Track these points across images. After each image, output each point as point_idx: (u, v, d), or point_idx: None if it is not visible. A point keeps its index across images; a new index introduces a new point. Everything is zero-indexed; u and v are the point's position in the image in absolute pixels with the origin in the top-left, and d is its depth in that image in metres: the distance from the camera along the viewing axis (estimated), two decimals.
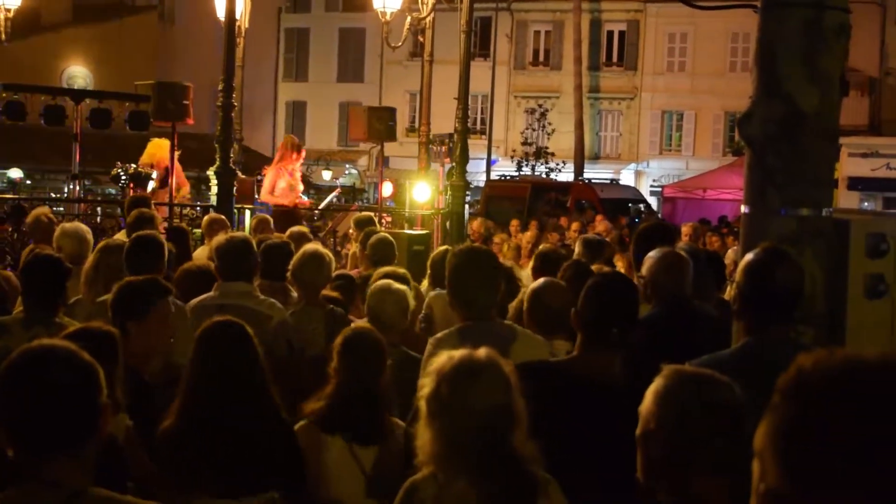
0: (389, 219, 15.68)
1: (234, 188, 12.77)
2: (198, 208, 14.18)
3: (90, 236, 7.05)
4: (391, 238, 7.41)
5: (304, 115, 47.64)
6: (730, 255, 9.88)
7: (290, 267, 5.85)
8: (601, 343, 3.52)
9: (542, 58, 44.04)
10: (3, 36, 16.34)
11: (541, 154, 38.07)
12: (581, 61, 39.40)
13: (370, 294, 5.15)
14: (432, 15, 16.92)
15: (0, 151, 27.03)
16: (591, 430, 3.36)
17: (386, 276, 5.71)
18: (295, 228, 8.91)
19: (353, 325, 4.49)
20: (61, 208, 15.95)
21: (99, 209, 16.47)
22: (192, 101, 13.16)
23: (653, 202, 33.49)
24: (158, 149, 14.42)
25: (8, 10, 16.20)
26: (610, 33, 42.79)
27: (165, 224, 10.14)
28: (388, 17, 16.47)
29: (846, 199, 31.29)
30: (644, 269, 4.74)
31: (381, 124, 14.48)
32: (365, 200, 34.49)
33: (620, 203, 26.50)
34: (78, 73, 36.89)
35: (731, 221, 20.10)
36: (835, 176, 4.50)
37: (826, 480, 1.24)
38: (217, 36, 16.85)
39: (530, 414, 2.94)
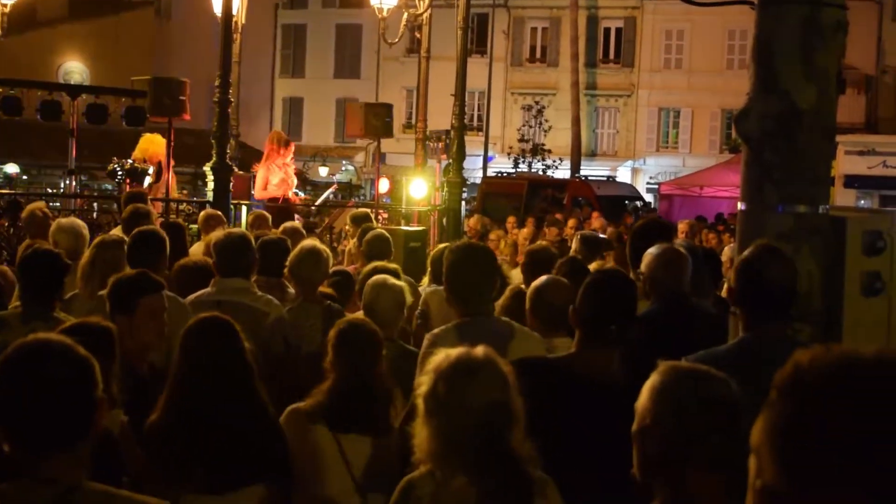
0: (386, 215, 15.68)
1: (231, 184, 12.75)
2: (194, 204, 14.17)
3: (86, 232, 7.04)
4: (387, 234, 7.41)
5: (301, 112, 47.61)
6: (726, 252, 9.88)
7: (287, 263, 5.85)
8: (599, 340, 3.52)
9: (538, 54, 44.02)
10: (0, 31, 16.31)
11: (537, 151, 38.06)
12: (578, 58, 39.39)
13: (366, 289, 5.15)
14: (429, 11, 16.93)
15: None
16: (589, 427, 3.36)
17: (375, 270, 5.71)
18: (288, 224, 8.90)
19: (346, 317, 4.47)
20: (57, 203, 15.93)
21: (95, 205, 16.44)
22: (189, 96, 13.15)
23: (649, 199, 33.49)
24: (150, 144, 14.41)
25: (4, 5, 16.18)
26: (607, 30, 42.78)
27: (161, 220, 10.12)
28: (384, 14, 16.48)
29: (842, 197, 31.28)
30: (643, 266, 4.74)
31: (378, 121, 14.47)
32: (361, 197, 34.48)
33: (617, 200, 26.50)
34: (74, 69, 36.86)
35: (727, 218, 20.10)
36: (831, 174, 4.50)
37: (823, 477, 1.24)
38: (214, 31, 16.82)
39: (527, 411, 2.94)
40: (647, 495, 2.42)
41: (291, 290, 6.14)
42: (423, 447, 2.93)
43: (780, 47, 4.04)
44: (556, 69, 42.75)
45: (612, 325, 3.51)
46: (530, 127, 39.28)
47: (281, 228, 8.19)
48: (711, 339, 3.71)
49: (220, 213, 9.66)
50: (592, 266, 6.29)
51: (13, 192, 17.57)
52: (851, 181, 33.74)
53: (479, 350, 2.96)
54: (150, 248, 5.62)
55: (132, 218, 7.28)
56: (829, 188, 4.41)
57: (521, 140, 38.73)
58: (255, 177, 14.31)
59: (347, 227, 10.86)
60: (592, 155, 41.64)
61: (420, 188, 16.57)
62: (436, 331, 4.39)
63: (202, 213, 9.74)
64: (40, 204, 8.68)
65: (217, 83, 12.57)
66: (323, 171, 38.59)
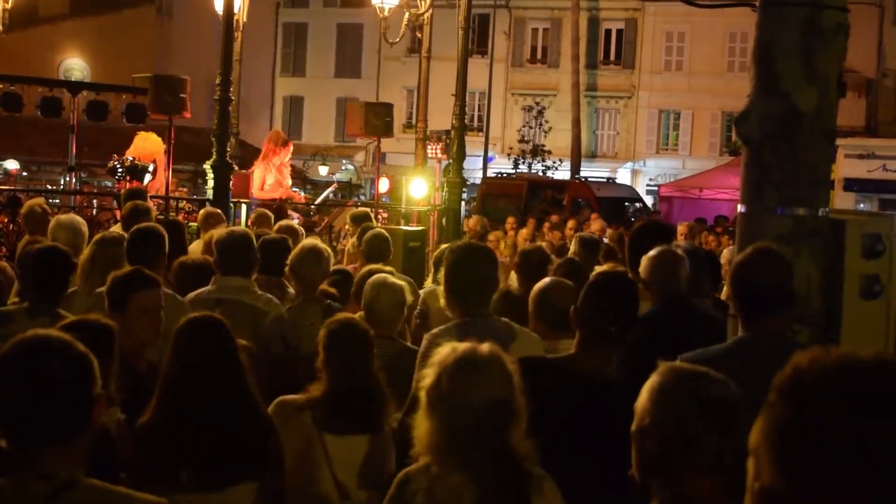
0: (386, 215, 15.68)
1: (231, 182, 12.75)
2: (194, 202, 14.18)
3: (85, 228, 7.04)
4: (387, 234, 7.41)
5: (301, 110, 47.60)
6: (725, 254, 9.87)
7: (288, 262, 5.85)
8: (600, 341, 3.53)
9: (539, 55, 44.01)
10: (1, 27, 16.31)
11: (537, 152, 38.05)
12: (579, 59, 39.40)
13: (366, 288, 5.15)
14: (430, 11, 16.93)
15: None
16: (589, 427, 3.36)
17: (371, 273, 5.71)
18: (283, 223, 8.91)
19: (336, 315, 4.44)
20: (57, 200, 15.93)
21: (95, 201, 16.45)
22: (190, 94, 13.16)
23: (649, 201, 33.49)
24: (146, 142, 14.43)
25: (6, 2, 16.19)
26: (608, 31, 42.77)
27: (161, 217, 10.12)
28: (386, 13, 16.48)
29: (842, 201, 31.29)
30: (641, 268, 4.76)
31: (378, 120, 14.48)
32: (361, 196, 34.48)
33: (617, 202, 26.52)
34: (75, 66, 36.84)
35: (729, 221, 20.11)
36: (831, 177, 4.50)
37: (822, 479, 1.24)
38: (215, 30, 16.84)
39: (528, 410, 2.94)
40: (645, 496, 2.42)
41: (291, 289, 6.14)
42: (423, 440, 2.93)
43: (780, 49, 4.04)
44: (556, 70, 42.75)
45: (613, 326, 3.52)
46: (530, 128, 39.26)
47: (276, 227, 8.20)
48: (710, 341, 3.72)
49: (219, 211, 9.65)
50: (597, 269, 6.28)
51: (13, 188, 17.55)
52: (851, 184, 33.75)
53: (485, 347, 2.96)
54: (148, 245, 5.60)
55: (132, 215, 7.27)
56: (829, 191, 4.41)
57: (522, 141, 38.71)
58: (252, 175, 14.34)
59: (347, 227, 10.88)
60: (592, 156, 41.63)
61: (420, 188, 16.57)
62: (435, 330, 4.39)
63: (202, 212, 9.73)
64: (40, 200, 8.68)
65: (218, 81, 12.58)
66: (323, 171, 38.57)
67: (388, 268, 6.20)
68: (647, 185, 40.54)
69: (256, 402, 3.84)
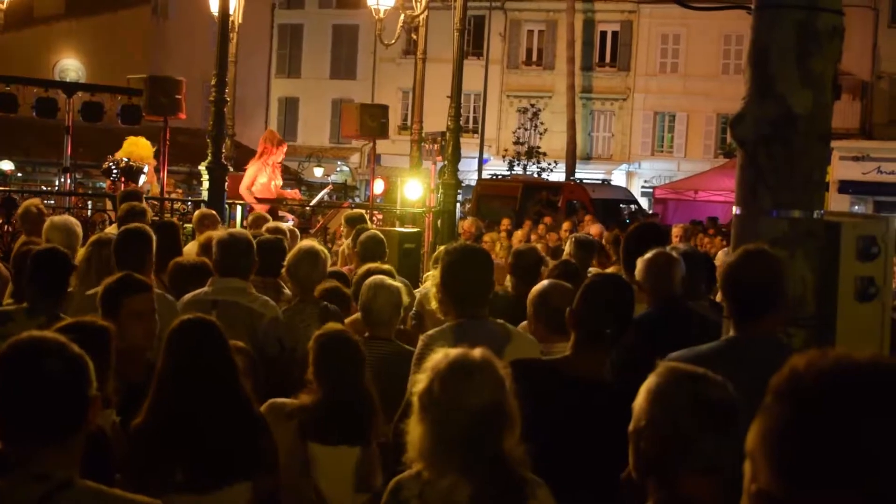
0: (381, 216, 15.67)
1: (226, 183, 12.74)
2: (189, 203, 14.16)
3: (79, 229, 7.03)
4: (382, 235, 7.41)
5: (297, 112, 47.58)
6: (720, 256, 9.89)
7: (285, 263, 5.84)
8: (595, 343, 3.53)
9: (535, 57, 44.05)
10: None
11: (532, 153, 38.08)
12: (574, 61, 39.41)
13: (363, 289, 5.14)
14: (426, 13, 16.90)
15: None
16: (583, 428, 3.36)
17: (369, 272, 5.70)
18: (271, 224, 8.90)
19: (326, 327, 4.41)
20: (52, 201, 15.90)
21: (89, 202, 16.41)
22: (185, 95, 13.15)
23: (643, 203, 33.50)
24: (135, 147, 14.41)
25: (1, 2, 16.13)
26: (603, 34, 42.81)
27: (156, 218, 10.11)
28: (381, 15, 16.45)
29: (837, 203, 31.36)
30: (636, 270, 4.76)
31: (374, 121, 14.47)
32: (356, 198, 34.46)
33: (611, 203, 26.52)
34: (70, 66, 36.80)
35: (724, 224, 20.12)
36: (826, 179, 4.51)
37: (819, 481, 1.24)
38: (210, 31, 16.84)
39: (522, 412, 2.93)
40: (641, 496, 2.42)
41: (287, 290, 6.14)
42: (416, 445, 2.92)
43: (775, 52, 4.04)
44: (552, 72, 42.77)
45: (609, 328, 3.52)
46: (526, 129, 39.29)
47: (264, 227, 8.18)
48: (704, 343, 3.72)
49: (214, 212, 9.64)
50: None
51: (8, 189, 17.51)
52: (846, 186, 33.85)
53: (478, 352, 2.95)
54: (136, 246, 5.50)
55: (128, 216, 7.25)
56: (824, 193, 4.42)
57: (517, 142, 38.74)
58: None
59: (342, 228, 10.87)
60: (587, 158, 41.66)
61: (415, 189, 16.55)
62: (431, 332, 4.38)
63: (197, 213, 9.72)
64: (35, 201, 8.67)
65: (213, 82, 12.56)
66: (318, 172, 38.56)
67: (386, 266, 6.20)
68: (642, 187, 40.59)
69: (249, 403, 3.84)
